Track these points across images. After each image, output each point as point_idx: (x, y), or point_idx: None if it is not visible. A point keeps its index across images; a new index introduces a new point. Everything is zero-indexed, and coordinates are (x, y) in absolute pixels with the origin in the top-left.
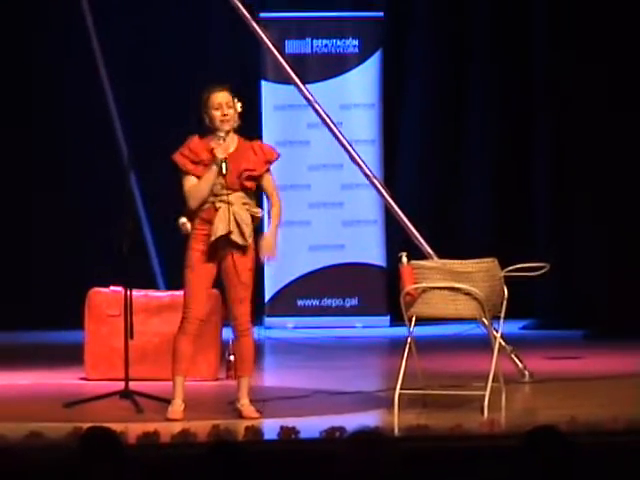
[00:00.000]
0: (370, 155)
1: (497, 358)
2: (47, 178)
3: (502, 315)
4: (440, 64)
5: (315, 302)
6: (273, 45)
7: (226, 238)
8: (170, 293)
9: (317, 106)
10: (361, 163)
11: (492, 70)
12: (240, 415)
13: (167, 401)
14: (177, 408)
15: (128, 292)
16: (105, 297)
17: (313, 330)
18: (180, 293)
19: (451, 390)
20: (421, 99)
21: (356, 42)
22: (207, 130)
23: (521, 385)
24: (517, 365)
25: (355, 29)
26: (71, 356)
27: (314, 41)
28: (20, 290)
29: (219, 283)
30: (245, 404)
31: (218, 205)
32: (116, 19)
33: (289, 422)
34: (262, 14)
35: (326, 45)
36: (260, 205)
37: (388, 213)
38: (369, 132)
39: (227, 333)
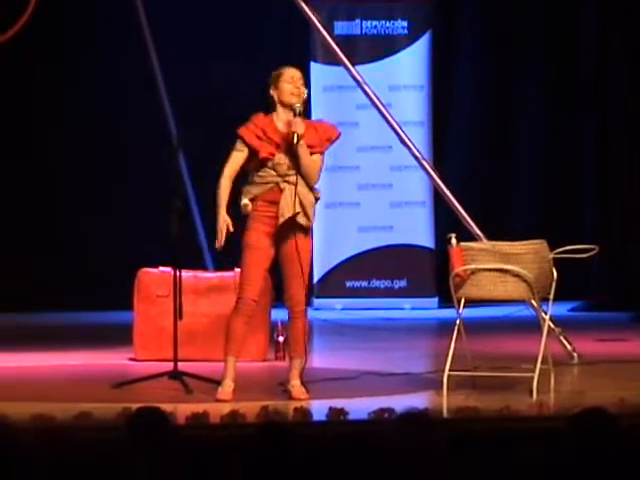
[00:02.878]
0: (419, 137)
1: (546, 340)
2: (96, 160)
3: (551, 297)
4: (489, 46)
5: (364, 283)
6: (322, 26)
7: (291, 219)
8: (219, 274)
9: (366, 87)
10: (410, 145)
11: (542, 51)
12: (290, 396)
13: (216, 382)
14: (227, 389)
15: (177, 273)
16: (154, 278)
17: (362, 311)
18: (229, 274)
19: (500, 372)
20: (470, 81)
21: (405, 23)
22: (272, 108)
23: (570, 367)
24: (566, 347)
25: (404, 10)
26: (120, 337)
27: (363, 22)
28: (70, 271)
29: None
30: (296, 385)
31: (283, 186)
32: (163, 6)
33: (338, 403)
34: None
35: (375, 26)
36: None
37: (437, 195)
38: (418, 114)
39: (276, 314)
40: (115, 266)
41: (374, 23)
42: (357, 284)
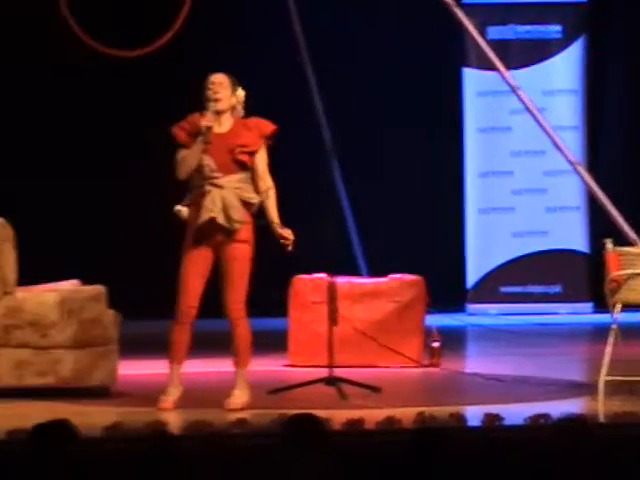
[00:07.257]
0: (573, 141)
1: None
2: None
3: None
4: None
5: (518, 289)
6: (476, 31)
7: (214, 223)
8: (373, 280)
9: (520, 93)
10: (564, 149)
11: None
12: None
13: (372, 388)
14: (169, 397)
15: (332, 279)
16: (309, 284)
17: (516, 317)
18: (382, 280)
19: None
20: (624, 85)
21: (559, 28)
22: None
23: None
24: None
25: (558, 14)
26: (276, 343)
27: (517, 27)
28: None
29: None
30: (235, 394)
31: (207, 189)
32: (316, 9)
33: (493, 409)
34: (465, 0)
35: (529, 31)
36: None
37: (592, 199)
38: (572, 118)
39: (431, 320)
40: (271, 274)
41: (527, 27)
42: (512, 289)
